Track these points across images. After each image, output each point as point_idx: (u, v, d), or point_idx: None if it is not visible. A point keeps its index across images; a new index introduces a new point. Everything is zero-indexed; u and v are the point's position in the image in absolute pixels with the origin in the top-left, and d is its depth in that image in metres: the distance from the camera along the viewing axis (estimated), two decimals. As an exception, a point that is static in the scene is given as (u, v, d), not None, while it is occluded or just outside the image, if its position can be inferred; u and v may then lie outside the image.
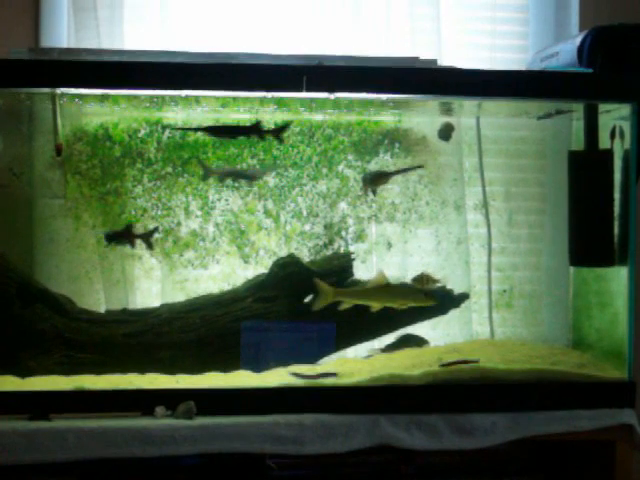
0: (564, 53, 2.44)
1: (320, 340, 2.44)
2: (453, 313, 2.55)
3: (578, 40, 2.39)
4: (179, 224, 2.54)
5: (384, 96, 2.27)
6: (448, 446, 2.13)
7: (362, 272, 2.56)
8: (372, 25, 2.84)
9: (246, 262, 2.55)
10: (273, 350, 2.40)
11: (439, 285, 2.49)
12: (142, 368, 2.29)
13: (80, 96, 2.33)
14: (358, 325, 2.49)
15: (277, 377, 2.24)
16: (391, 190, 2.59)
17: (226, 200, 2.53)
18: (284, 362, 2.33)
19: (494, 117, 2.66)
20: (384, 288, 2.40)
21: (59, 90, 2.23)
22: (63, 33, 2.69)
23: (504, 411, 2.17)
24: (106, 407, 2.10)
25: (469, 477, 2.34)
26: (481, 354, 2.33)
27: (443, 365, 2.24)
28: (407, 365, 2.28)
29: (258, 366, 2.33)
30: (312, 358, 2.41)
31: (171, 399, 2.09)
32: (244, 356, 2.40)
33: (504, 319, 2.67)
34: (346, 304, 2.39)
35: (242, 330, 2.41)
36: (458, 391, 2.21)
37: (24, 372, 2.25)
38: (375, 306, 2.40)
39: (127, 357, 2.35)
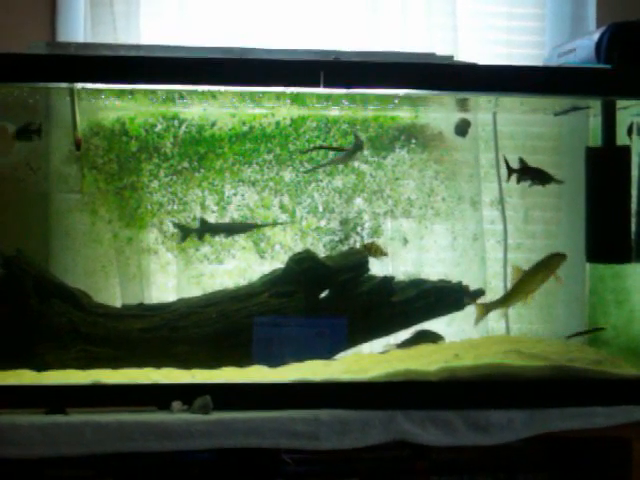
0: (581, 49, 2.43)
1: (333, 335, 2.44)
2: (469, 309, 2.54)
3: (596, 36, 2.38)
4: (194, 219, 2.54)
5: (401, 91, 2.26)
6: (464, 442, 2.13)
7: (377, 268, 2.56)
8: (388, 21, 2.83)
9: (262, 257, 2.55)
10: (288, 345, 2.41)
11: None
12: (158, 363, 2.29)
13: (97, 91, 2.33)
14: (374, 321, 2.49)
15: (293, 372, 2.25)
16: (407, 186, 2.59)
17: (242, 195, 2.54)
18: (299, 357, 2.34)
19: (511, 113, 2.65)
20: None
21: (79, 85, 2.24)
22: (80, 28, 2.68)
23: (520, 407, 2.17)
24: (122, 401, 2.09)
25: (484, 473, 2.33)
26: (497, 350, 2.33)
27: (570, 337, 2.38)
28: (423, 361, 2.28)
29: (273, 361, 2.34)
30: (327, 353, 2.41)
31: (188, 394, 2.10)
32: (258, 351, 2.40)
33: (520, 315, 2.66)
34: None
35: (255, 325, 2.41)
36: (474, 387, 2.21)
37: (41, 366, 2.25)
38: None
39: (143, 352, 2.35)
